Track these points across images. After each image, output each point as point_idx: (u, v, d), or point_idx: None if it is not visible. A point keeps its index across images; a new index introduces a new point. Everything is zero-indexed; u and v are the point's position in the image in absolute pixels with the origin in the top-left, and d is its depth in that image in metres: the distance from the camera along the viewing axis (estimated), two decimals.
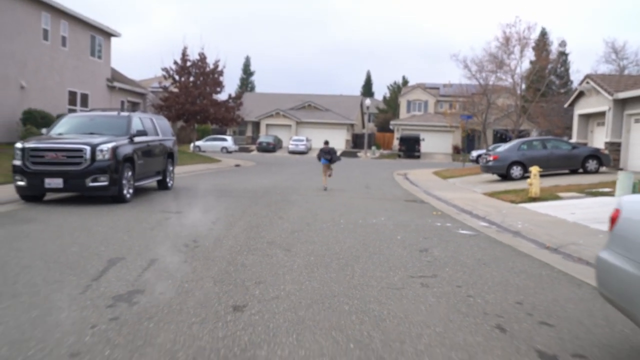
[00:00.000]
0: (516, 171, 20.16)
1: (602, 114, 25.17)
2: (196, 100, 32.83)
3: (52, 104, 24.41)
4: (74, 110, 25.39)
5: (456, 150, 54.32)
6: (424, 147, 53.08)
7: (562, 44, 55.32)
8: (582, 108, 27.85)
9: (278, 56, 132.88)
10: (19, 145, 11.29)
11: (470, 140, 52.40)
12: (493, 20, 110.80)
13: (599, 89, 24.70)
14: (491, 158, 20.98)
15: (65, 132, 12.45)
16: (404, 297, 5.18)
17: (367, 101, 56.80)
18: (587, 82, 26.28)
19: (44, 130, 13.03)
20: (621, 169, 20.34)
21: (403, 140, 52.36)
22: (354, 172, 27.80)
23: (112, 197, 11.48)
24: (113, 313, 4.41)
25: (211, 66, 33.81)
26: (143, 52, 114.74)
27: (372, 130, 66.43)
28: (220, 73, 34.12)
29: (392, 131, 60.82)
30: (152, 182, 14.13)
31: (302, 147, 52.83)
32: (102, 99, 29.38)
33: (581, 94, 27.68)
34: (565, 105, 30.85)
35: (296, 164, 34.05)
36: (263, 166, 30.64)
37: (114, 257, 6.40)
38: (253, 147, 57.15)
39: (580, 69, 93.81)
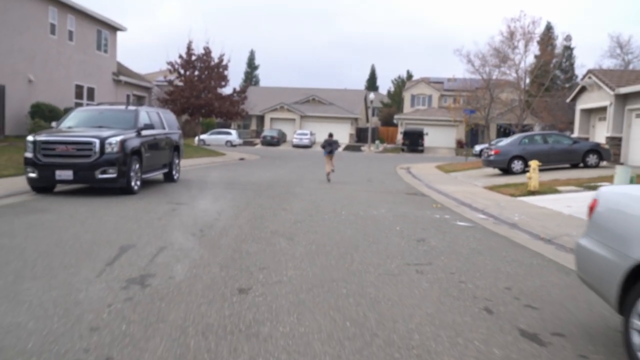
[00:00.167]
0: (517, 165, 20.42)
1: (603, 109, 25.35)
2: (201, 94, 33.13)
3: (59, 97, 24.78)
4: (80, 104, 25.75)
5: (460, 144, 54.48)
6: (428, 141, 53.29)
7: (568, 38, 55.19)
8: (584, 103, 28.03)
9: (282, 50, 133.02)
10: (30, 138, 11.63)
11: (474, 135, 52.58)
12: (499, 14, 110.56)
13: (600, 84, 24.87)
14: (492, 152, 21.25)
15: (75, 125, 12.79)
16: (399, 283, 5.50)
17: (371, 95, 56.97)
18: (589, 77, 26.45)
19: (54, 124, 13.36)
20: (622, 164, 20.56)
21: (407, 134, 52.56)
22: (357, 165, 28.10)
23: (120, 188, 11.82)
24: (127, 294, 4.75)
25: (216, 60, 34.07)
26: (148, 45, 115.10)
27: (376, 124, 66.61)
28: (225, 67, 34.38)
29: (396, 125, 61.01)
30: (158, 174, 14.48)
31: (306, 141, 53.10)
32: (108, 93, 29.73)
33: (583, 89, 27.85)
34: (568, 100, 31.00)
35: (300, 158, 34.38)
36: (267, 159, 30.97)
37: (125, 245, 6.74)
38: (257, 140, 57.47)
39: (584, 64, 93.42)
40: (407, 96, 66.18)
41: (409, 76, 78.92)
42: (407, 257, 6.70)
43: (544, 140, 21.30)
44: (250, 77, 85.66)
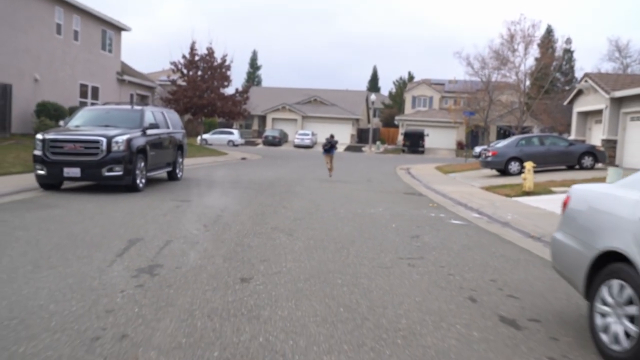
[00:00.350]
0: (514, 166, 20.78)
1: (599, 112, 25.72)
2: (204, 94, 33.53)
3: (64, 96, 25.19)
4: (85, 103, 26.19)
5: (460, 146, 54.83)
6: (428, 142, 53.64)
7: (568, 41, 55.59)
8: (580, 106, 28.40)
9: (285, 50, 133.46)
10: (39, 136, 12.02)
11: (474, 136, 52.92)
12: (499, 16, 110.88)
13: (596, 87, 25.25)
14: (490, 154, 21.62)
15: (82, 124, 13.18)
16: (391, 274, 5.87)
17: (373, 96, 57.31)
18: (586, 81, 26.83)
19: (61, 123, 13.76)
20: (617, 166, 20.92)
21: (407, 135, 52.93)
22: (358, 166, 28.49)
23: (126, 186, 12.20)
24: (138, 281, 5.13)
25: (219, 60, 34.47)
26: (151, 45, 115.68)
27: (377, 125, 66.98)
28: (228, 67, 34.77)
29: (397, 126, 61.37)
30: (162, 173, 14.86)
31: (307, 141, 53.49)
32: (112, 92, 30.15)
33: (580, 92, 28.23)
34: (565, 103, 31.37)
35: (301, 158, 34.78)
36: (269, 159, 31.36)
37: (133, 238, 7.12)
38: (259, 140, 57.90)
39: (583, 67, 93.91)
40: (408, 97, 66.54)
41: (410, 77, 79.27)
42: (400, 252, 7.07)
43: (541, 142, 21.68)
44: (253, 77, 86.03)
